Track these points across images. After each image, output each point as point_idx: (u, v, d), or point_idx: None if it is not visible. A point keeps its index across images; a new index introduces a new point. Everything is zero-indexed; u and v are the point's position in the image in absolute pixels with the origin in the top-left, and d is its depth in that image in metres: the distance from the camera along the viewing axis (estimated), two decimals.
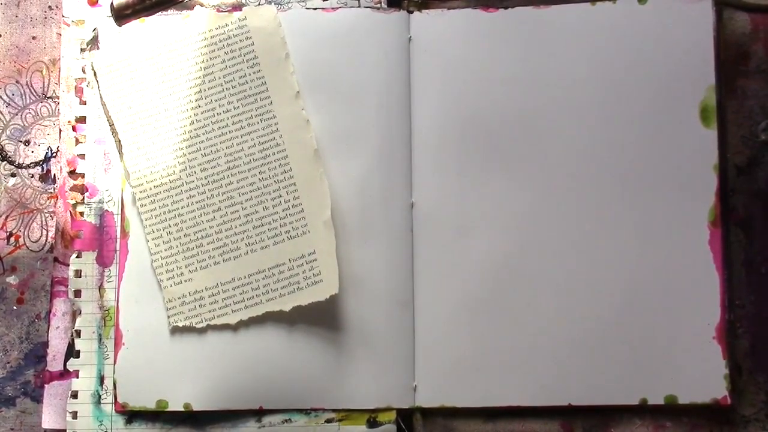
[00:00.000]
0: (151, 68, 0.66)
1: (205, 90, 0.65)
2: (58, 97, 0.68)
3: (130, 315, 0.64)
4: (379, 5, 0.66)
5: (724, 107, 0.64)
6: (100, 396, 0.64)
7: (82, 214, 0.66)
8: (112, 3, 0.67)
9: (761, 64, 0.65)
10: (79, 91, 0.67)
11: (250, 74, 0.65)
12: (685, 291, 0.62)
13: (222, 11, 0.67)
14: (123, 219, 0.65)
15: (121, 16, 0.67)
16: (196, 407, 0.63)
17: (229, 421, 0.63)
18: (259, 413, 0.63)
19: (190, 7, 0.67)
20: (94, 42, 0.67)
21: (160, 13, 0.67)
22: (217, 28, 0.66)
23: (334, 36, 0.66)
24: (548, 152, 0.64)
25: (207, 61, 0.66)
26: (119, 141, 0.65)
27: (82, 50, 0.67)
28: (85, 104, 0.67)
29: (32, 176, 0.68)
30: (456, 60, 0.65)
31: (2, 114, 0.68)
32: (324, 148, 0.64)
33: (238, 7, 0.67)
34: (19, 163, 0.68)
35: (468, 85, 0.65)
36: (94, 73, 0.66)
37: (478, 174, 0.64)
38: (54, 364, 0.65)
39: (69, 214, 0.66)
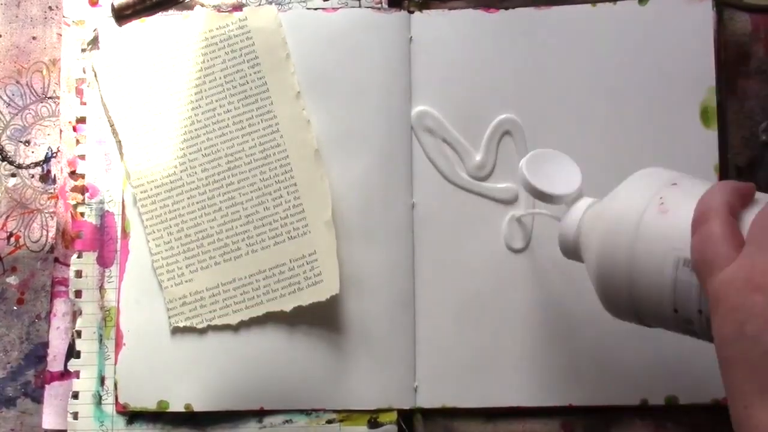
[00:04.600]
0: (151, 69, 0.66)
1: (205, 90, 0.65)
2: (58, 98, 0.68)
3: (131, 315, 0.64)
4: (379, 5, 0.66)
5: (724, 108, 0.64)
6: (101, 396, 0.64)
7: (82, 214, 0.66)
8: (112, 3, 0.67)
9: (762, 64, 0.65)
10: (79, 91, 0.67)
11: (250, 74, 0.65)
12: None
13: (222, 11, 0.67)
14: (124, 219, 0.65)
15: (121, 16, 0.67)
16: (197, 408, 0.63)
17: (230, 422, 0.63)
18: (260, 414, 0.63)
19: (191, 7, 0.67)
20: (94, 42, 0.67)
21: (160, 13, 0.67)
22: (217, 28, 0.66)
23: (334, 36, 0.66)
24: None
25: (208, 61, 0.66)
26: (120, 141, 0.65)
27: (83, 50, 0.67)
28: (86, 105, 0.67)
29: (32, 176, 0.68)
30: (457, 60, 0.65)
31: (2, 114, 0.68)
32: (325, 148, 0.64)
33: (238, 7, 0.67)
34: (19, 164, 0.68)
35: (469, 86, 0.65)
36: (95, 73, 0.66)
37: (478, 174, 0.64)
38: (54, 364, 0.65)
39: (69, 215, 0.66)
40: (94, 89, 0.67)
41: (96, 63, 0.66)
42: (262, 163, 0.64)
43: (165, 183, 0.65)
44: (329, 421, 0.63)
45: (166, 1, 0.67)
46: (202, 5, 0.67)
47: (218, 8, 0.67)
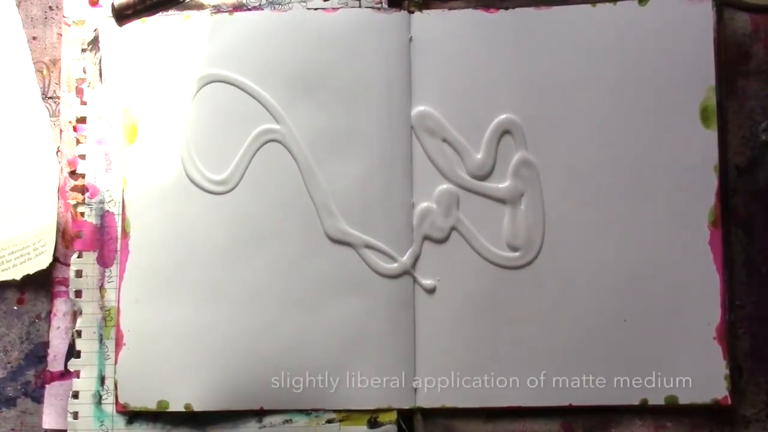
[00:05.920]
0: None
1: None
2: (58, 98, 0.68)
3: (131, 315, 0.64)
4: (379, 5, 0.66)
5: (724, 108, 0.64)
6: (101, 396, 0.64)
7: (82, 214, 0.66)
8: (112, 3, 0.67)
9: (762, 64, 0.65)
10: (79, 91, 0.67)
11: None
12: (686, 291, 0.62)
13: (222, 12, 0.67)
14: (124, 219, 0.65)
15: (121, 16, 0.67)
16: (197, 408, 0.63)
17: (230, 422, 0.64)
18: (259, 414, 0.63)
19: (191, 8, 0.67)
20: (95, 42, 0.67)
21: (160, 13, 0.67)
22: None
23: (334, 36, 0.66)
24: (548, 153, 0.64)
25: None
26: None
27: (83, 50, 0.67)
28: (86, 104, 0.67)
29: None
30: (457, 60, 0.65)
31: None
32: (324, 147, 0.64)
33: (239, 8, 0.67)
34: None
35: (469, 86, 0.65)
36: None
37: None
38: (55, 364, 0.65)
39: (70, 215, 0.66)
40: (94, 89, 0.67)
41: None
42: None
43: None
44: (329, 421, 0.63)
45: (166, 1, 0.67)
46: (203, 6, 0.67)
47: (218, 9, 0.67)
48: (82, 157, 0.66)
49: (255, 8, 0.67)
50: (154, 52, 0.67)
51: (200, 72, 0.66)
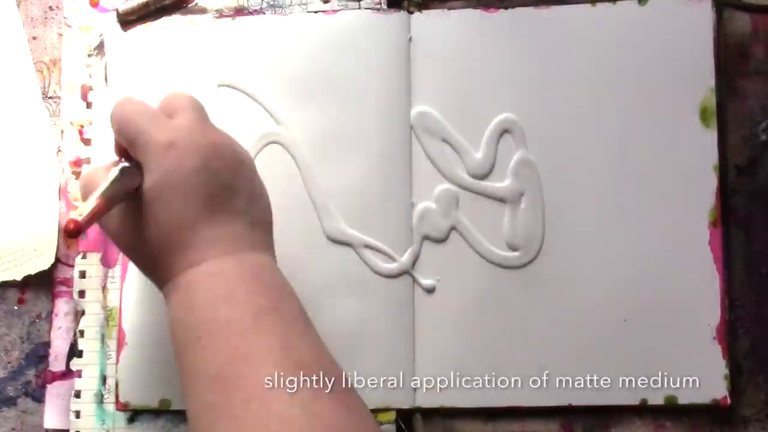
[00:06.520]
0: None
1: None
2: (59, 98, 0.68)
3: (133, 315, 0.65)
4: (379, 6, 0.66)
5: (724, 108, 0.64)
6: (102, 396, 0.65)
7: None
8: (117, 9, 0.67)
9: (762, 64, 0.64)
10: (84, 93, 0.67)
11: None
12: (686, 291, 0.62)
13: (225, 16, 0.67)
14: None
15: (126, 21, 0.67)
16: None
17: None
18: None
19: (195, 12, 0.68)
20: (100, 47, 0.68)
21: (164, 18, 0.68)
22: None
23: (334, 38, 0.66)
24: (548, 153, 0.64)
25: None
26: None
27: (89, 55, 0.68)
28: (91, 107, 0.67)
29: None
30: (456, 60, 0.65)
31: None
32: (324, 148, 0.65)
33: (240, 11, 0.67)
34: None
35: (468, 86, 0.65)
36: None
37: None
38: (56, 364, 0.65)
39: None
40: (99, 92, 0.67)
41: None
42: None
43: None
44: None
45: (170, 6, 0.67)
46: (205, 10, 0.68)
47: (221, 13, 0.68)
48: (87, 160, 0.67)
49: (256, 11, 0.67)
50: (158, 57, 0.67)
51: (204, 76, 0.66)
